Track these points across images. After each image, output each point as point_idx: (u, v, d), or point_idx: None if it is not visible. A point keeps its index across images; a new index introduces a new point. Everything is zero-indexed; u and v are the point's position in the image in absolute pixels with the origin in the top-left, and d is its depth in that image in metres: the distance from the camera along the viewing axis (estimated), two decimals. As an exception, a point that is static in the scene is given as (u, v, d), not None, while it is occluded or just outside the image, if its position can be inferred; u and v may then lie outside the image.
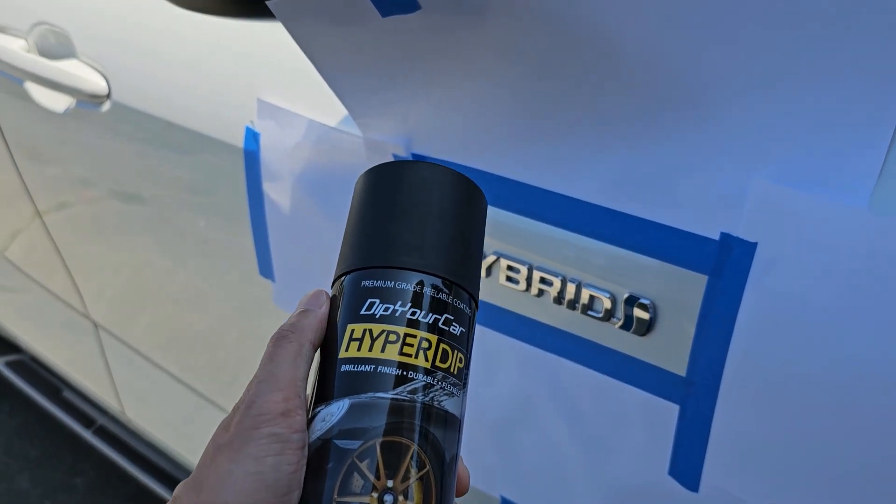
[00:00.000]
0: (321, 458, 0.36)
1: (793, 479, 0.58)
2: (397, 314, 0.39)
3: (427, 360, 0.38)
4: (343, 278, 0.41)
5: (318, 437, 0.37)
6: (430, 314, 0.39)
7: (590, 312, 0.64)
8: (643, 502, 0.70)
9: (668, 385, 0.63)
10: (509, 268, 0.68)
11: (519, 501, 0.81)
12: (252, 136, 0.83)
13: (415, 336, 0.38)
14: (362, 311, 0.39)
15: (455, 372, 0.40)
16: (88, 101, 1.05)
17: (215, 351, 1.18)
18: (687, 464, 0.64)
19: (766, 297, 0.55)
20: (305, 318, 0.40)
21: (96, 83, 1.03)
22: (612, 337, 0.64)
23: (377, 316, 0.39)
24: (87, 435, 1.63)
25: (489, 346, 0.73)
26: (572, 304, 0.65)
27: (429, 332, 0.39)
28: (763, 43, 0.50)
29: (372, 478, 0.36)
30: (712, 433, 0.61)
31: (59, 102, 1.09)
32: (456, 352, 0.40)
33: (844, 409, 0.54)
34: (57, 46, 1.09)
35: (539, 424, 0.74)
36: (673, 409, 0.63)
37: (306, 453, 0.37)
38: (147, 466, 1.54)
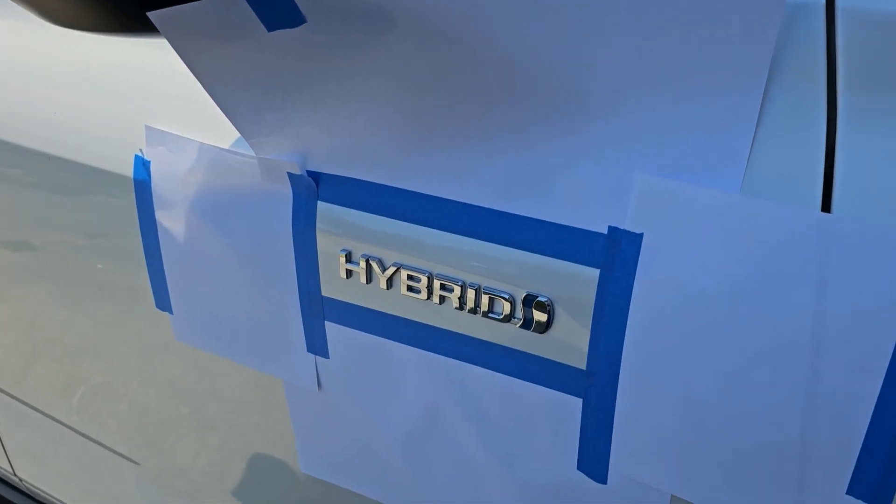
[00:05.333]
0: None
1: (695, 461, 0.60)
2: None
3: None
4: None
5: None
6: None
7: (490, 315, 0.66)
8: (555, 501, 0.71)
9: (570, 379, 0.64)
10: (410, 277, 0.68)
11: (434, 516, 0.80)
12: (142, 165, 0.81)
13: None
14: None
15: None
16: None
17: (118, 400, 1.13)
18: (594, 456, 0.66)
19: (654, 285, 0.57)
20: None
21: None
22: (514, 337, 0.66)
23: None
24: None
25: (394, 359, 0.73)
26: (474, 309, 0.66)
27: None
28: (634, 44, 0.53)
29: None
30: (616, 423, 0.63)
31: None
32: None
33: (736, 389, 0.56)
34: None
35: (447, 435, 0.74)
36: (577, 404, 0.64)
37: None
38: (45, 530, 1.44)
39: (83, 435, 1.22)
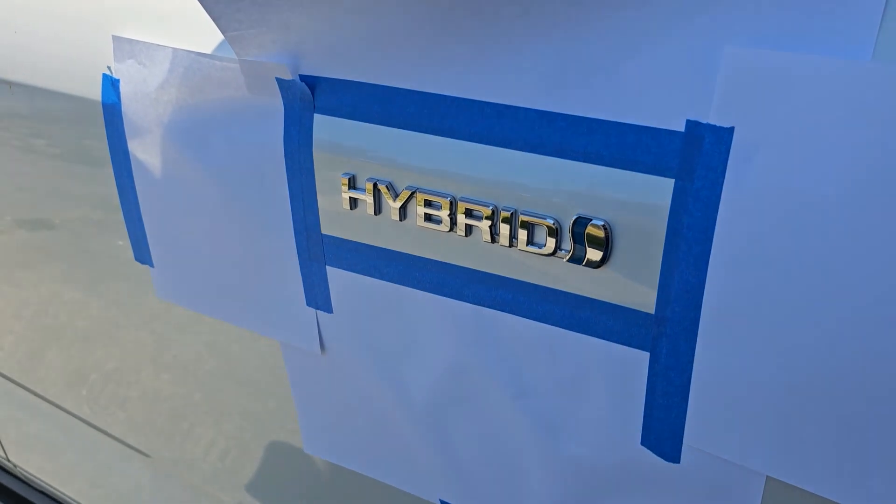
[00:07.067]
0: None
1: (803, 434, 0.46)
2: None
3: None
4: None
5: None
6: None
7: (530, 247, 0.52)
8: (612, 485, 0.57)
9: (634, 328, 0.50)
10: (427, 203, 0.54)
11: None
12: (110, 85, 0.68)
13: None
14: None
15: None
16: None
17: (131, 386, 1.02)
18: (664, 428, 0.52)
19: (750, 197, 0.44)
20: None
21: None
22: (561, 275, 0.52)
23: None
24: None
25: (411, 310, 0.60)
26: (510, 240, 0.52)
27: None
28: None
29: None
30: (694, 384, 0.49)
31: None
32: None
33: (869, 336, 0.42)
34: None
35: (478, 403, 0.61)
36: (642, 359, 0.51)
37: None
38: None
39: (83, 420, 1.13)
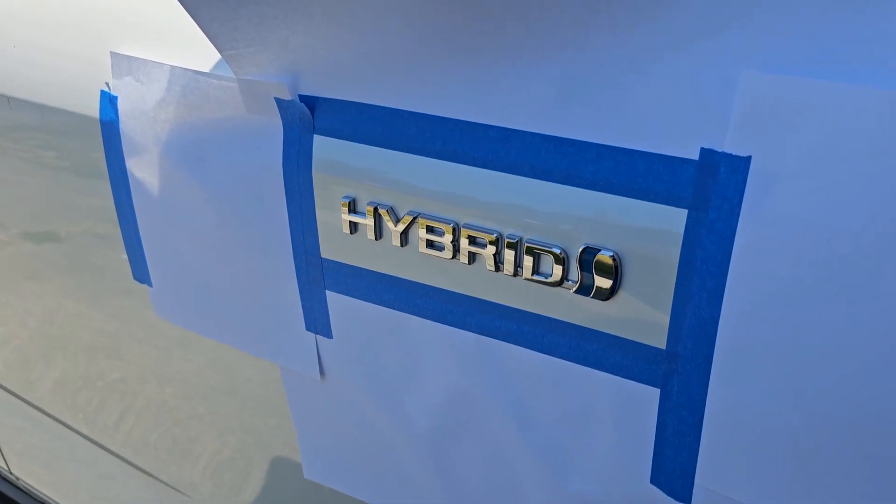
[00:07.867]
0: None
1: (822, 477, 0.44)
2: None
3: None
4: None
5: None
6: None
7: (536, 276, 0.49)
8: (620, 523, 0.54)
9: (644, 363, 0.48)
10: (430, 229, 0.52)
11: (465, 536, 0.65)
12: (108, 102, 0.67)
13: None
14: None
15: None
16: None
17: (133, 402, 1.00)
18: (675, 467, 0.50)
19: (768, 228, 0.42)
20: None
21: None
22: (567, 306, 0.50)
23: None
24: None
25: (412, 338, 0.58)
26: (515, 269, 0.50)
27: None
28: None
29: None
30: (706, 422, 0.47)
31: None
32: None
33: (888, 374, 0.40)
34: None
35: (480, 433, 0.58)
36: (652, 395, 0.49)
37: None
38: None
39: (84, 436, 1.11)
